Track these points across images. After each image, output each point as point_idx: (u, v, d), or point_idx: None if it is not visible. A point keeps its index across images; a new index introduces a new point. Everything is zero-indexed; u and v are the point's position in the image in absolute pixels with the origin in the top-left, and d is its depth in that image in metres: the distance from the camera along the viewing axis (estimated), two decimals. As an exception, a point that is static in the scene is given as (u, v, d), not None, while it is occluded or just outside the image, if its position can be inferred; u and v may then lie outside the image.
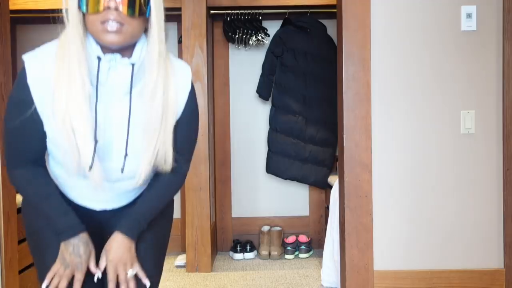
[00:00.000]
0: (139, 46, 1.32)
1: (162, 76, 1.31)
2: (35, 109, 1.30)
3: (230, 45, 4.10)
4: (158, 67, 1.30)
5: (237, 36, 3.90)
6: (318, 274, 3.39)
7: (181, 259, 3.67)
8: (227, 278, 3.39)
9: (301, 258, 3.90)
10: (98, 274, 1.42)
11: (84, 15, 1.30)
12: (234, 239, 4.07)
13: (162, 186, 1.45)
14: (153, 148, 1.33)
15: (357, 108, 2.66)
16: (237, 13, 3.85)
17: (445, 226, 2.71)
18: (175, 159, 1.38)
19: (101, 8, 1.24)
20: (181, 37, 3.65)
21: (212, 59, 4.01)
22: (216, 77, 4.11)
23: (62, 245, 1.40)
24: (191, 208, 3.51)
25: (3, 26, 2.46)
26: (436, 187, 2.70)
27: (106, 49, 1.30)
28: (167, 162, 1.37)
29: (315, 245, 4.09)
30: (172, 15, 3.83)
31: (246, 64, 4.12)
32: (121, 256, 1.40)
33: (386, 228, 2.70)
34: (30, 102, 1.29)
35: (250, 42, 3.90)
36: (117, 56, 1.29)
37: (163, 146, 1.34)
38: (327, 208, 3.34)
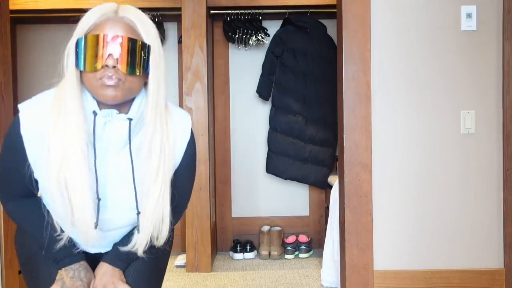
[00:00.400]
0: (137, 101, 1.28)
1: (159, 131, 1.27)
2: (27, 158, 1.28)
3: (230, 45, 4.10)
4: (154, 121, 1.26)
5: (237, 36, 3.90)
6: (318, 274, 3.39)
7: (181, 259, 3.67)
8: (227, 278, 3.39)
9: (301, 258, 3.90)
10: None
11: (81, 72, 1.25)
12: (234, 239, 4.07)
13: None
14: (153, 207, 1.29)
15: (357, 108, 2.66)
16: (237, 13, 3.85)
17: (445, 226, 2.71)
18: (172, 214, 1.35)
19: (99, 66, 1.21)
20: (181, 37, 3.65)
21: (212, 59, 4.01)
22: (216, 77, 4.11)
23: (62, 271, 1.38)
24: (191, 208, 3.51)
25: (3, 26, 2.46)
26: (436, 187, 2.70)
27: (102, 104, 1.26)
28: (161, 234, 1.33)
29: (315, 245, 4.09)
30: (172, 15, 3.83)
31: (246, 64, 4.12)
32: (107, 281, 1.39)
33: (386, 228, 2.70)
34: (22, 150, 1.28)
35: (250, 42, 3.90)
36: (114, 111, 1.26)
37: (161, 208, 1.30)
38: (327, 208, 3.34)
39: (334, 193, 3.05)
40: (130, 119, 1.26)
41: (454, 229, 2.71)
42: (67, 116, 1.22)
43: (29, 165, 1.29)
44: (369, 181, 2.67)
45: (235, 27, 3.90)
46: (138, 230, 1.31)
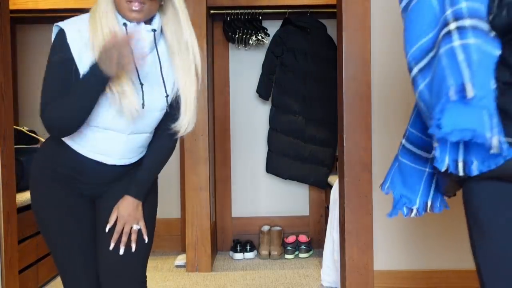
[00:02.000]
0: (156, 18, 1.60)
1: (189, 33, 1.61)
2: (75, 67, 1.52)
3: (230, 45, 4.10)
4: (186, 29, 1.60)
5: (237, 36, 3.90)
6: (318, 274, 3.39)
7: (181, 259, 3.67)
8: (227, 278, 3.39)
9: (301, 258, 3.90)
10: (109, 226, 1.64)
11: None
12: (234, 239, 4.07)
13: (158, 152, 1.71)
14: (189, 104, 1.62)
15: (357, 108, 2.66)
16: (237, 13, 3.85)
17: (445, 226, 2.71)
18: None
19: None
20: (181, 37, 3.65)
21: (212, 59, 4.01)
22: (216, 77, 4.11)
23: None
24: (191, 207, 3.51)
25: (3, 26, 2.46)
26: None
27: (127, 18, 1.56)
28: (190, 125, 1.64)
29: (315, 245, 4.09)
30: (172, 15, 3.83)
31: (246, 64, 4.12)
32: (129, 213, 1.64)
33: (386, 228, 2.70)
34: (71, 59, 1.52)
35: (250, 42, 3.90)
36: (141, 23, 1.57)
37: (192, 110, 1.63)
38: (327, 208, 3.34)
39: (334, 193, 3.05)
40: (154, 30, 1.59)
41: (454, 229, 2.71)
42: (104, 29, 1.53)
43: (77, 73, 1.52)
44: (369, 181, 2.67)
45: (235, 27, 3.90)
46: (167, 99, 1.62)
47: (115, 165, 1.64)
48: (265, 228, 4.00)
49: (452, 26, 1.11)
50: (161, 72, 1.61)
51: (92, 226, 1.69)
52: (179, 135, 1.65)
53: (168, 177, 4.07)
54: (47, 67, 1.56)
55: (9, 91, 2.51)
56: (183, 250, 3.86)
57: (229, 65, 4.14)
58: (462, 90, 1.04)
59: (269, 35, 3.95)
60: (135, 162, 1.69)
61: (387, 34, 2.68)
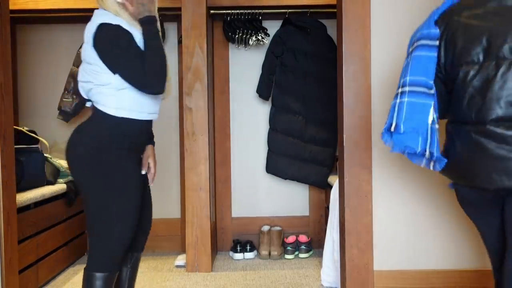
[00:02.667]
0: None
1: None
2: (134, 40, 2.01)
3: (230, 45, 4.10)
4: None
5: (237, 36, 3.90)
6: (318, 274, 3.39)
7: (181, 259, 3.67)
8: (227, 278, 3.39)
9: (301, 258, 3.90)
10: (144, 170, 2.17)
11: None
12: (234, 239, 4.07)
13: None
14: None
15: (357, 108, 2.66)
16: (237, 13, 3.85)
17: (445, 226, 2.71)
18: None
19: None
20: (181, 37, 3.65)
21: (212, 59, 4.01)
22: (216, 77, 4.11)
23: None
24: (191, 208, 3.51)
25: (3, 26, 2.46)
26: (436, 186, 2.70)
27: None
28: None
29: (315, 245, 4.09)
30: (172, 15, 3.83)
31: (246, 64, 4.12)
32: (151, 154, 2.24)
33: (386, 228, 2.70)
34: (133, 39, 2.00)
35: (250, 42, 3.90)
36: None
37: None
38: (327, 208, 3.34)
39: (334, 193, 3.05)
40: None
41: (454, 229, 2.71)
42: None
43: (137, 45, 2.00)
44: (369, 181, 2.67)
45: (235, 27, 3.90)
46: None
47: (152, 120, 2.14)
48: (265, 228, 4.00)
49: (399, 90, 1.87)
50: None
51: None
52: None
53: (168, 177, 4.08)
54: (124, 51, 1.95)
55: (9, 91, 2.51)
56: (183, 250, 3.86)
57: (229, 65, 4.13)
58: (390, 127, 1.84)
59: (269, 35, 3.95)
60: None
61: (387, 34, 2.68)
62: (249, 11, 3.84)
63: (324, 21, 3.98)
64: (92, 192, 2.01)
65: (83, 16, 3.89)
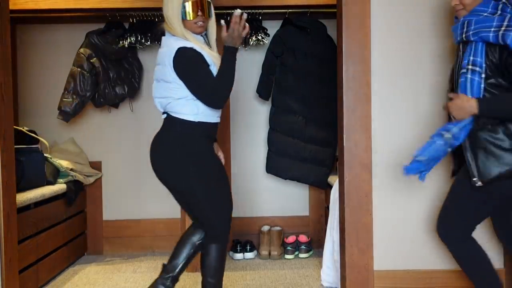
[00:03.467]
0: (210, 28, 2.57)
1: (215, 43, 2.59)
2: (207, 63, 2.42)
3: (230, 45, 4.09)
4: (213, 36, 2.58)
5: (237, 36, 3.89)
6: (318, 274, 3.39)
7: (181, 259, 3.66)
8: (227, 278, 3.39)
9: (301, 258, 3.90)
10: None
11: (183, 20, 2.43)
12: (234, 239, 4.07)
13: None
14: None
15: (357, 108, 2.66)
16: (237, 13, 3.85)
17: (445, 226, 2.71)
18: None
19: (195, 16, 2.43)
20: (181, 37, 3.65)
21: (212, 59, 4.00)
22: (216, 77, 4.11)
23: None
24: (191, 208, 3.50)
25: (3, 26, 2.46)
26: (436, 186, 2.70)
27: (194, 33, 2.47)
28: None
29: (315, 245, 4.09)
30: (172, 15, 3.82)
31: (246, 64, 4.12)
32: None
33: (386, 228, 2.70)
34: (206, 61, 2.41)
35: (250, 42, 3.90)
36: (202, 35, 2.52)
37: None
38: (327, 208, 3.34)
39: (334, 193, 3.05)
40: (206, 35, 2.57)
41: (454, 229, 2.71)
42: (204, 50, 2.43)
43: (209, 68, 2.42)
44: (369, 181, 2.67)
45: (235, 27, 3.90)
46: None
47: (217, 122, 2.52)
48: (265, 228, 4.00)
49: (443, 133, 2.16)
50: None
51: None
52: None
53: (168, 177, 4.07)
54: (198, 71, 2.37)
55: (9, 91, 2.51)
56: (183, 250, 3.86)
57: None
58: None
59: (269, 35, 3.95)
60: None
61: (387, 34, 2.67)
62: (249, 11, 3.83)
63: (324, 21, 3.98)
64: (197, 186, 2.41)
65: (83, 16, 3.90)
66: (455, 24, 2.24)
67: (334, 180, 3.28)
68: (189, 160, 2.40)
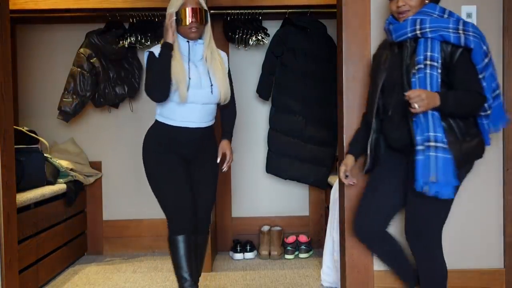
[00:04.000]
0: (204, 34, 2.64)
1: (215, 49, 2.67)
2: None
3: (230, 45, 4.10)
4: (210, 44, 2.65)
5: (237, 36, 3.90)
6: (318, 274, 3.39)
7: (181, 259, 3.66)
8: (227, 278, 3.39)
9: (301, 258, 3.90)
10: (219, 159, 2.73)
11: (177, 25, 2.56)
12: (234, 239, 4.07)
13: (228, 114, 2.80)
14: (224, 83, 2.64)
15: (357, 108, 2.66)
16: (237, 13, 3.85)
17: (445, 226, 2.71)
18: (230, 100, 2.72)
19: (189, 22, 2.54)
20: (181, 37, 3.65)
21: (212, 59, 4.00)
22: (216, 77, 4.11)
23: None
24: (191, 208, 3.50)
25: (3, 26, 2.46)
26: (436, 187, 2.70)
27: (188, 38, 2.60)
28: (227, 100, 2.68)
29: (315, 245, 4.09)
30: (172, 15, 3.82)
31: (246, 64, 4.12)
32: (228, 148, 2.78)
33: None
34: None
35: (250, 42, 3.90)
36: (197, 40, 2.62)
37: (227, 87, 2.66)
38: (327, 208, 3.34)
39: (334, 193, 3.05)
40: (203, 42, 2.63)
41: (454, 229, 2.71)
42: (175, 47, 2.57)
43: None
44: (369, 181, 2.66)
45: (235, 27, 3.90)
46: (212, 91, 2.61)
47: (196, 127, 2.60)
48: (265, 228, 4.00)
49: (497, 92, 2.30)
50: (208, 72, 2.63)
51: (187, 179, 2.61)
52: (223, 103, 2.69)
53: (168, 177, 4.07)
54: (147, 73, 2.59)
55: (9, 91, 2.51)
56: (183, 250, 3.86)
57: (229, 65, 4.13)
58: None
59: (269, 35, 3.95)
60: (208, 127, 2.66)
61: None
62: (249, 11, 3.84)
63: (324, 21, 3.98)
64: (149, 180, 2.66)
65: (83, 16, 3.90)
66: (397, 24, 2.24)
67: (334, 180, 3.28)
68: (144, 155, 2.66)
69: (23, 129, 3.68)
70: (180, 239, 2.58)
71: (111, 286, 3.27)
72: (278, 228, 4.01)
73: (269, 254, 3.89)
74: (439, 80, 2.14)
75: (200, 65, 2.62)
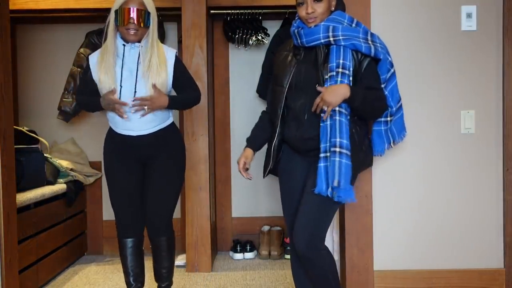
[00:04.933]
0: (144, 38, 2.50)
1: (156, 53, 2.50)
2: (92, 78, 2.54)
3: (230, 45, 4.10)
4: (151, 48, 2.49)
5: (237, 36, 3.90)
6: (318, 274, 3.39)
7: (181, 259, 3.67)
8: (227, 278, 3.39)
9: (301, 258, 3.89)
10: (134, 101, 2.49)
11: (116, 25, 2.45)
12: (234, 239, 4.07)
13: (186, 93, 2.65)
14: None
15: (357, 108, 2.66)
16: (237, 13, 3.85)
17: (445, 226, 2.71)
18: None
19: (126, 23, 2.42)
20: (181, 37, 3.65)
21: (212, 59, 4.01)
22: (216, 77, 4.11)
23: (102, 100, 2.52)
24: (191, 208, 3.51)
25: (3, 26, 2.46)
26: (436, 187, 2.70)
27: (126, 40, 2.48)
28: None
29: (315, 245, 4.08)
30: (172, 15, 3.83)
31: (246, 64, 4.12)
32: (159, 99, 2.50)
33: (386, 228, 2.70)
34: (90, 75, 2.55)
35: (250, 42, 3.90)
36: (135, 43, 2.48)
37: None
38: (327, 208, 3.33)
39: (334, 193, 3.05)
40: (142, 46, 2.48)
41: (454, 229, 2.71)
42: (108, 47, 2.48)
43: (95, 83, 2.54)
44: (369, 181, 2.67)
45: (235, 27, 3.90)
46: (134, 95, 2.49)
47: (138, 135, 2.53)
48: (265, 228, 4.00)
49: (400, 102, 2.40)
50: (136, 77, 2.50)
51: (137, 183, 2.62)
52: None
53: (168, 177, 4.07)
54: (79, 77, 2.76)
55: (9, 91, 2.51)
56: (183, 250, 3.86)
57: (229, 65, 4.13)
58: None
59: (269, 35, 3.94)
60: (155, 132, 2.55)
61: (387, 33, 2.67)
62: (249, 11, 3.84)
63: (324, 21, 3.97)
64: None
65: (83, 16, 3.90)
66: (307, 28, 2.24)
67: (334, 180, 3.27)
68: (103, 158, 2.70)
69: (23, 129, 3.68)
70: (128, 242, 2.63)
71: (111, 286, 3.27)
72: (278, 228, 4.01)
73: (269, 254, 3.89)
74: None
75: (134, 70, 2.47)
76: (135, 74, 2.47)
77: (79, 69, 3.80)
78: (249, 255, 3.91)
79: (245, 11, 3.83)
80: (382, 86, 2.25)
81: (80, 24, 4.01)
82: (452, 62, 2.68)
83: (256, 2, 3.76)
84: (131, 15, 2.39)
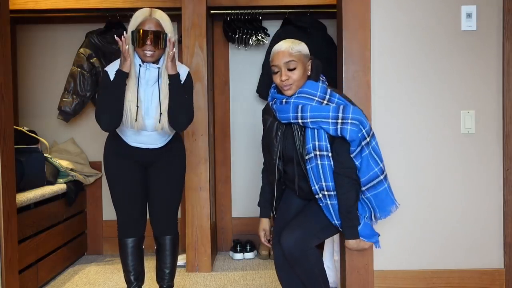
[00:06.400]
0: (162, 59, 2.49)
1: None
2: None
3: (230, 45, 4.10)
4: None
5: (237, 36, 3.90)
6: (318, 274, 3.39)
7: (181, 259, 3.66)
8: (227, 278, 3.39)
9: (301, 258, 3.89)
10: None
11: (133, 45, 2.44)
12: (234, 239, 4.07)
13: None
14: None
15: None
16: (237, 13, 3.85)
17: (445, 226, 2.71)
18: None
19: (142, 45, 2.41)
20: (181, 37, 3.65)
21: (212, 59, 4.01)
22: (216, 77, 4.11)
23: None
24: (191, 208, 3.51)
25: (3, 26, 2.46)
26: (436, 187, 2.70)
27: (143, 60, 2.47)
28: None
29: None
30: (172, 15, 3.81)
31: (246, 64, 4.12)
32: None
33: (386, 228, 2.70)
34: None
35: (250, 42, 3.90)
36: (151, 64, 2.47)
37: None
38: (327, 208, 3.33)
39: (334, 193, 3.05)
40: (159, 67, 2.47)
41: (454, 229, 2.71)
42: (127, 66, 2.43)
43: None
44: (369, 181, 2.66)
45: (235, 27, 3.90)
46: (159, 121, 2.49)
47: (148, 149, 2.59)
48: (265, 228, 4.00)
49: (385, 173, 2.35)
50: (159, 97, 2.49)
51: (144, 183, 2.65)
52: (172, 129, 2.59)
53: (168, 177, 4.07)
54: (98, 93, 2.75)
55: (9, 91, 2.51)
56: (183, 250, 3.86)
57: (229, 65, 4.13)
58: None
59: (269, 35, 3.95)
60: (164, 146, 2.62)
61: (387, 33, 2.68)
62: (249, 11, 3.84)
63: (324, 21, 3.98)
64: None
65: (83, 16, 3.90)
66: (280, 105, 2.27)
67: (334, 180, 3.27)
68: (103, 157, 2.68)
69: (23, 129, 3.68)
70: (129, 242, 2.64)
71: (111, 286, 3.27)
72: (278, 228, 4.00)
73: (269, 254, 3.89)
74: (332, 164, 2.21)
75: (149, 90, 2.48)
76: (150, 94, 2.49)
77: (79, 69, 3.80)
78: (249, 255, 3.91)
79: (245, 11, 3.83)
80: (352, 156, 2.23)
81: (80, 24, 4.01)
82: (452, 62, 2.68)
83: (256, 2, 3.76)
84: (148, 38, 2.38)
